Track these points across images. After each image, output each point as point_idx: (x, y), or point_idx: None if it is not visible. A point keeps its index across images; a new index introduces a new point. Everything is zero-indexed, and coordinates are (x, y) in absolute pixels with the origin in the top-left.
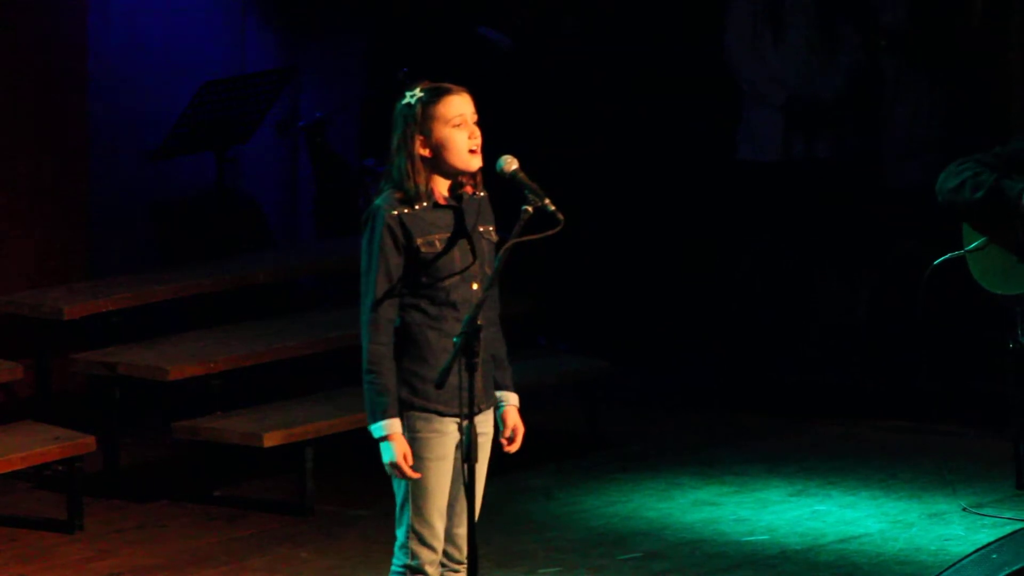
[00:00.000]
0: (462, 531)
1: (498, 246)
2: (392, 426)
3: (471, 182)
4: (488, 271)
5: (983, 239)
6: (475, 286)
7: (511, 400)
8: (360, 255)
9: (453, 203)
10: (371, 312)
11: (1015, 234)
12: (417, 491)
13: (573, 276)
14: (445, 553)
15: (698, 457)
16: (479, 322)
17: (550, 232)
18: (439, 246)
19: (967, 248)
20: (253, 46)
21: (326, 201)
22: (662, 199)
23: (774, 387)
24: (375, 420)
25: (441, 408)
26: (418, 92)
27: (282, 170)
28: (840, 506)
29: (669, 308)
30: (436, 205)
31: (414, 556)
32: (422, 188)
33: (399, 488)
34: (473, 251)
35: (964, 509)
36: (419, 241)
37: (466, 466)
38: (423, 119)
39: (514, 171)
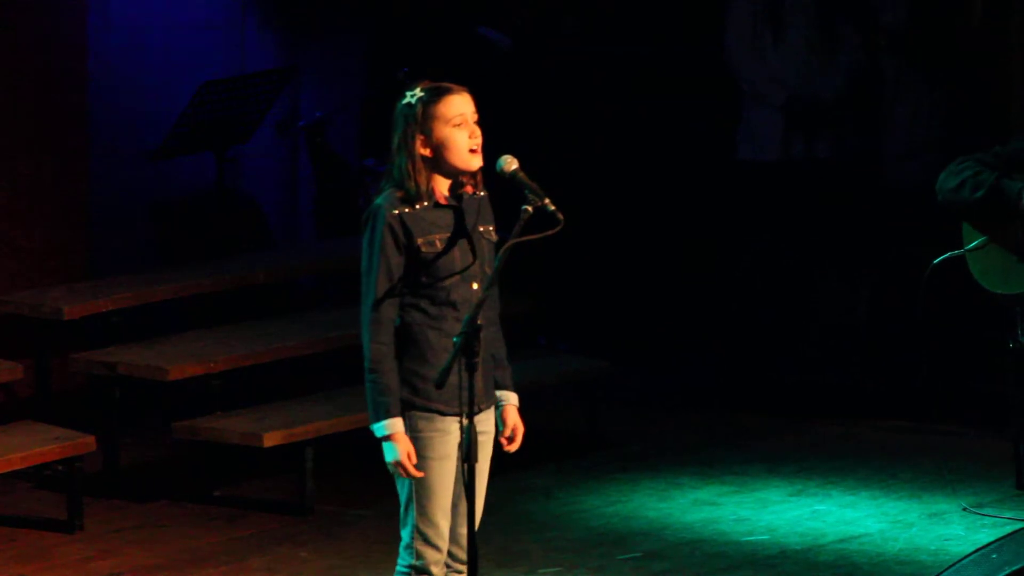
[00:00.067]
0: (466, 531)
1: (498, 246)
2: (395, 425)
3: (471, 182)
4: (488, 271)
5: (983, 239)
6: (475, 286)
7: (511, 399)
8: (360, 255)
9: (453, 203)
10: (372, 311)
11: (1015, 234)
12: (421, 491)
13: (573, 276)
14: (449, 553)
15: (698, 457)
16: (479, 322)
17: (550, 232)
18: (439, 246)
19: (967, 247)
20: (253, 46)
21: (326, 201)
22: (662, 199)
23: (774, 387)
24: (378, 420)
25: (442, 407)
26: (419, 92)
27: (282, 170)
28: (840, 506)
29: (669, 308)
30: (437, 205)
31: (419, 556)
32: (423, 188)
33: (403, 488)
34: (473, 251)
35: (964, 509)
36: (420, 241)
37: (466, 466)
38: (424, 119)
39: (514, 171)
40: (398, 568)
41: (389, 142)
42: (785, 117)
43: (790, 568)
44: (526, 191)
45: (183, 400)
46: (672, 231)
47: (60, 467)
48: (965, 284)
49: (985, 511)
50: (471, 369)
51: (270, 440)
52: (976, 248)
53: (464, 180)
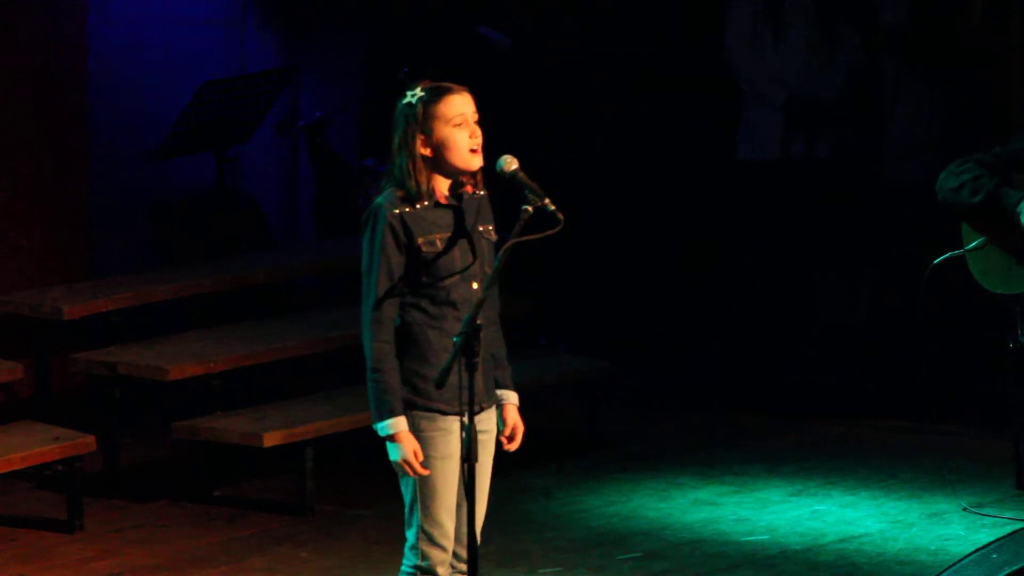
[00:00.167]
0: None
1: (498, 246)
2: (398, 424)
3: (471, 181)
4: (488, 270)
5: (982, 239)
6: (475, 285)
7: (511, 399)
8: (360, 255)
9: (454, 202)
10: (373, 311)
11: (1014, 237)
12: (425, 491)
13: (573, 276)
14: (454, 553)
15: (698, 457)
16: (479, 321)
17: (550, 232)
18: (440, 245)
19: (967, 248)
20: (253, 46)
21: (326, 201)
22: (662, 199)
23: (774, 387)
24: (381, 419)
25: (444, 407)
26: (419, 91)
27: (282, 170)
28: (840, 506)
29: (669, 308)
30: (437, 204)
31: (424, 557)
32: (423, 187)
33: (407, 489)
34: (473, 250)
35: (964, 509)
36: (420, 240)
37: (466, 466)
38: (424, 118)
39: (514, 171)
40: (403, 569)
41: (389, 142)
42: (785, 117)
43: (790, 568)
44: (526, 191)
45: (183, 400)
46: (672, 231)
47: (60, 467)
48: (965, 284)
49: (985, 511)
50: (471, 369)
51: (270, 440)
52: (976, 248)
53: (464, 180)
